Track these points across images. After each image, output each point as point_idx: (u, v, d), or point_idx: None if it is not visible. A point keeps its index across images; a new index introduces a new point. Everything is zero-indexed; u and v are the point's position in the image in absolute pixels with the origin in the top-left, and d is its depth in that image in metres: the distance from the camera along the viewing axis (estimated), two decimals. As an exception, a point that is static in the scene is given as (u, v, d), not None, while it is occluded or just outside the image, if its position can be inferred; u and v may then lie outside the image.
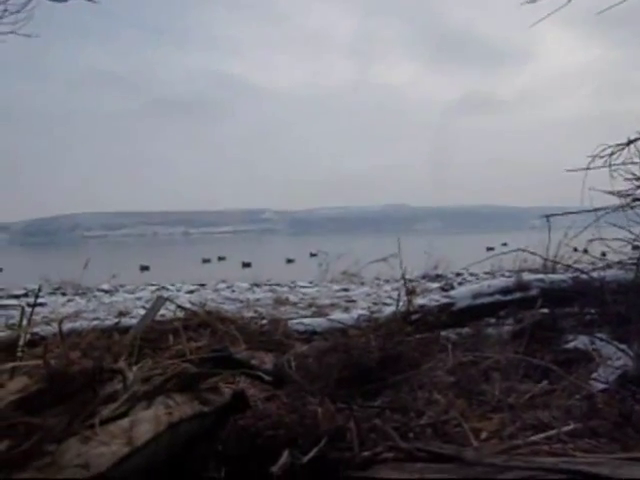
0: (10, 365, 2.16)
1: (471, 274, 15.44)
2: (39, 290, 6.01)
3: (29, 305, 10.44)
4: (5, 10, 5.62)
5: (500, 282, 5.45)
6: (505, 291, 5.11)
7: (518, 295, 5.06)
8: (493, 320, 5.12)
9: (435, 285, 12.09)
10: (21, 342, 3.05)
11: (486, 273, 14.53)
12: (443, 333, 4.77)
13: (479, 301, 5.09)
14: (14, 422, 1.64)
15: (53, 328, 5.26)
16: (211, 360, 2.66)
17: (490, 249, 25.91)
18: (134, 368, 2.16)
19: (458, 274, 15.44)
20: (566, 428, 2.53)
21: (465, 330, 5.04)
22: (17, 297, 14.26)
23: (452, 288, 10.19)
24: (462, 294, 5.29)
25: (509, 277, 6.19)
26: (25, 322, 3.87)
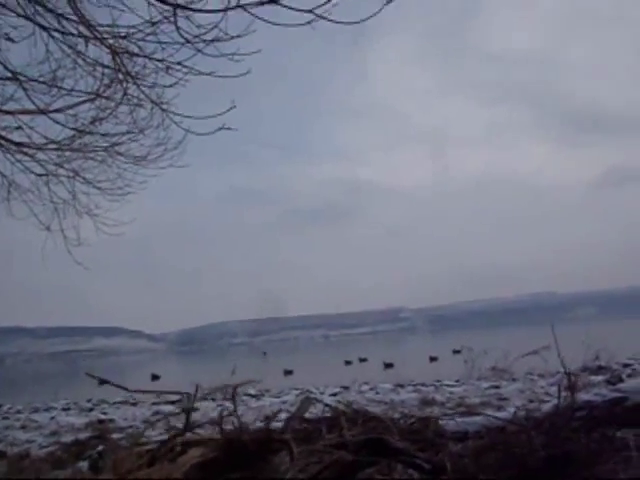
0: (188, 436, 2.32)
1: (642, 364, 13.89)
2: (195, 395, 6.33)
3: (183, 410, 11.00)
4: (165, 149, 6.65)
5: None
6: (694, 383, 4.45)
7: None
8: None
9: (599, 378, 10.93)
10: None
11: (662, 363, 13.02)
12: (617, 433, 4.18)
13: (660, 395, 4.46)
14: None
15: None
16: (367, 446, 2.54)
17: (662, 335, 23.15)
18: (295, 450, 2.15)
19: (626, 365, 13.97)
20: None
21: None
22: (172, 403, 15.05)
23: (620, 381, 9.26)
24: (636, 387, 4.72)
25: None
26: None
